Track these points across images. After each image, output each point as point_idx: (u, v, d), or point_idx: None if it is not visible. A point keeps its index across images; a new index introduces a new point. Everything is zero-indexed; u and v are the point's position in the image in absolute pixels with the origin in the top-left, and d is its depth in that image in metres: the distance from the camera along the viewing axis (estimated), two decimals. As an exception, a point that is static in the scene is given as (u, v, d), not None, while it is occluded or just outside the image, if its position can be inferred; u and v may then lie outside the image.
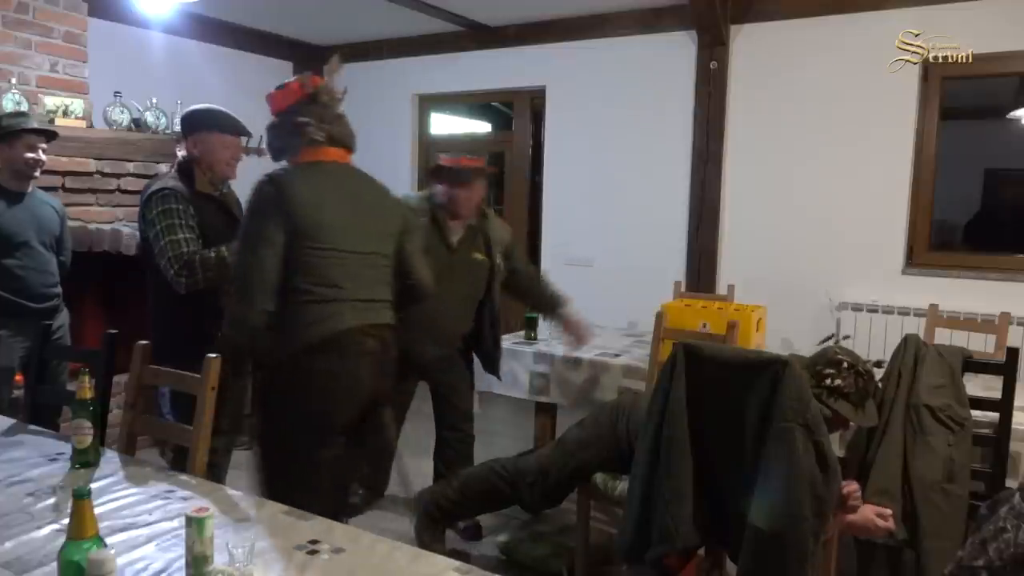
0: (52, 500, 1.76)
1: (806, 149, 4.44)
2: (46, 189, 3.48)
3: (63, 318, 3.36)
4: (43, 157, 3.20)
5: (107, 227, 4.02)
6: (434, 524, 2.81)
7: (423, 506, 2.81)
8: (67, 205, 3.61)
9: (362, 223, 2.33)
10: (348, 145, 2.39)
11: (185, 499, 1.78)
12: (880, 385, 2.47)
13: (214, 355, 2.11)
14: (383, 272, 2.38)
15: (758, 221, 4.60)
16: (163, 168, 4.41)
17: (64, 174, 3.86)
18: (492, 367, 3.44)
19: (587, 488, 2.74)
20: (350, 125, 2.40)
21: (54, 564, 1.35)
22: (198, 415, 2.09)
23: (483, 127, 7.10)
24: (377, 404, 2.39)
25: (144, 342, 2.28)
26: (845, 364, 2.25)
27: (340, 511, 2.29)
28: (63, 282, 3.37)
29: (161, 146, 4.32)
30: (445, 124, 6.55)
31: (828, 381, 2.22)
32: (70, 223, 3.54)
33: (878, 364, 2.39)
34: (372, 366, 2.30)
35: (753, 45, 4.54)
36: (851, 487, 2.21)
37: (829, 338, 2.59)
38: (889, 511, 2.20)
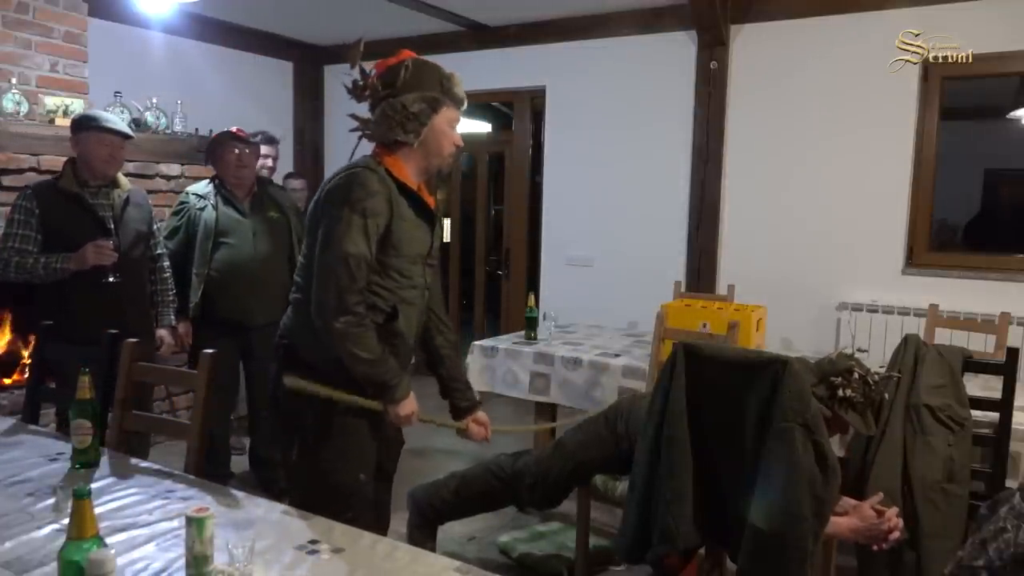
0: (52, 500, 1.76)
1: (806, 149, 4.44)
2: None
3: None
4: None
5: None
6: (427, 523, 2.80)
7: (416, 505, 2.81)
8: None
9: None
10: None
11: (185, 499, 1.78)
12: (887, 396, 2.47)
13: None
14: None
15: (758, 221, 4.60)
16: (161, 168, 4.43)
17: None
18: None
19: (587, 488, 2.74)
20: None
21: (54, 564, 1.35)
22: (194, 412, 2.10)
23: (483, 127, 7.10)
24: None
25: (132, 340, 2.29)
26: (856, 374, 2.24)
27: None
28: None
29: (161, 146, 4.31)
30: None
31: (840, 392, 2.21)
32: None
33: (888, 377, 2.39)
34: None
35: (753, 45, 4.54)
36: (891, 513, 2.16)
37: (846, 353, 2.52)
38: (895, 509, 2.18)
